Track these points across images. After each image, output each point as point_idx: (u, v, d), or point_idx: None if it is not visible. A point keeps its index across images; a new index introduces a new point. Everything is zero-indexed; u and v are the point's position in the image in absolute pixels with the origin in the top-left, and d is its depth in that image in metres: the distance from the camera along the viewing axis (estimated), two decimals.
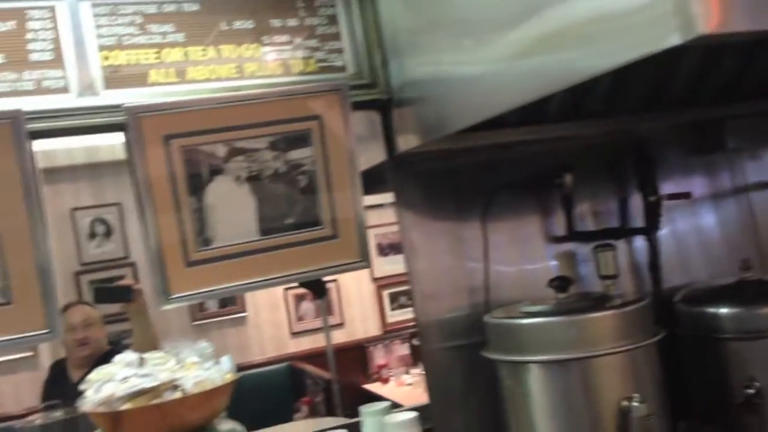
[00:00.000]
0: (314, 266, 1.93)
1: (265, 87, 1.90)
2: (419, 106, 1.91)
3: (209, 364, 1.76)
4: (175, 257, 1.81)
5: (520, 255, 2.15)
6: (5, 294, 1.68)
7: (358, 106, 1.97)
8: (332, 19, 1.99)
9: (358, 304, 5.66)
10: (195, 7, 1.87)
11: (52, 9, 1.76)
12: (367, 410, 1.94)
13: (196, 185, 1.82)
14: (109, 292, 3.49)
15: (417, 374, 5.01)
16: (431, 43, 1.78)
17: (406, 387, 5.17)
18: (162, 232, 1.79)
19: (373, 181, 2.03)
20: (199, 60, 1.87)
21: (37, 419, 2.64)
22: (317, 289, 3.66)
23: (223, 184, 1.84)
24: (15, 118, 1.65)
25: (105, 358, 3.14)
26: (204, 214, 1.83)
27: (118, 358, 1.84)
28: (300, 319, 5.55)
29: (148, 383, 1.62)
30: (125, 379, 1.64)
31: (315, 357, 4.93)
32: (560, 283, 1.90)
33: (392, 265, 5.52)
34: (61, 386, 3.54)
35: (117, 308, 3.45)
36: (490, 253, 2.10)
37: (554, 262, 2.16)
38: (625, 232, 2.18)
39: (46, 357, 4.92)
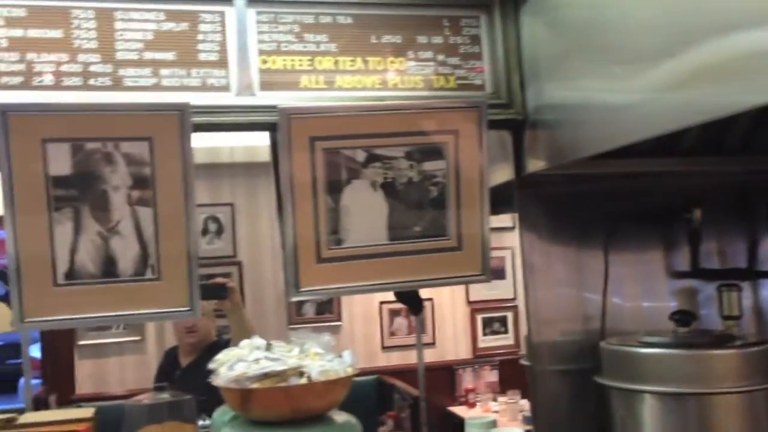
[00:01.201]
0: (436, 275, 1.99)
1: (406, 99, 1.99)
2: (553, 128, 1.95)
3: (331, 356, 1.85)
4: (308, 253, 1.91)
5: (640, 287, 2.15)
6: (155, 271, 1.82)
7: (493, 125, 2.03)
8: (475, 39, 2.06)
9: (451, 326, 5.67)
10: (348, 20, 1.99)
11: (222, 14, 1.91)
12: (472, 422, 1.97)
13: (335, 187, 1.92)
14: (204, 289, 3.55)
15: (505, 402, 4.97)
16: (574, 69, 1.82)
17: (493, 414, 5.12)
18: (299, 228, 1.90)
19: (496, 201, 2.08)
20: (347, 69, 1.98)
21: (145, 399, 2.79)
22: (414, 305, 3.70)
23: (360, 187, 1.93)
24: (183, 110, 1.80)
25: (212, 348, 3.30)
26: (339, 214, 1.92)
27: (244, 342, 1.96)
28: (392, 334, 5.61)
29: (277, 366, 1.72)
30: (257, 360, 1.75)
31: (404, 373, 4.97)
32: (682, 317, 1.89)
33: (489, 291, 5.53)
34: (171, 371, 3.74)
35: (214, 305, 3.56)
36: (609, 283, 2.11)
37: (674, 299, 2.14)
38: (754, 274, 2.14)
39: (152, 342, 5.20)
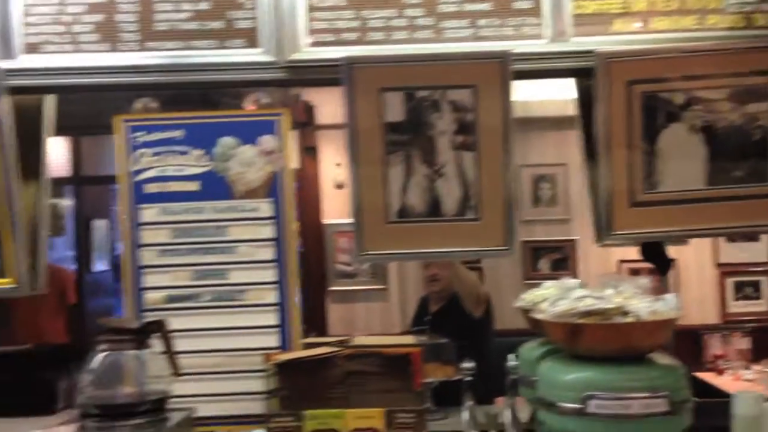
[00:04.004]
0: (755, 222, 1.92)
1: (725, 39, 1.92)
2: None
3: (649, 298, 1.86)
4: (622, 197, 1.92)
5: None
6: (476, 211, 1.94)
7: None
8: None
9: (697, 289, 5.40)
10: None
11: None
12: (743, 395, 1.89)
13: (651, 131, 1.90)
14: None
15: (759, 371, 4.67)
16: None
17: (744, 382, 4.83)
18: (613, 173, 1.91)
19: None
20: (663, 10, 1.94)
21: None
22: (662, 264, 3.55)
23: (677, 131, 1.90)
24: (504, 58, 1.88)
25: (455, 297, 3.44)
26: (654, 158, 1.91)
27: (550, 283, 2.02)
28: None
29: (603, 305, 1.76)
30: (581, 298, 1.80)
31: None
32: None
33: (741, 252, 5.19)
34: (423, 316, 3.95)
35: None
36: None
37: None
38: None
39: (396, 291, 5.51)
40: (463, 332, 3.01)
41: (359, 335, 2.13)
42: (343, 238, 5.36)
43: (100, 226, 6.76)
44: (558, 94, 4.23)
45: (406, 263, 5.36)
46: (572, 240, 5.48)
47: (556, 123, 5.07)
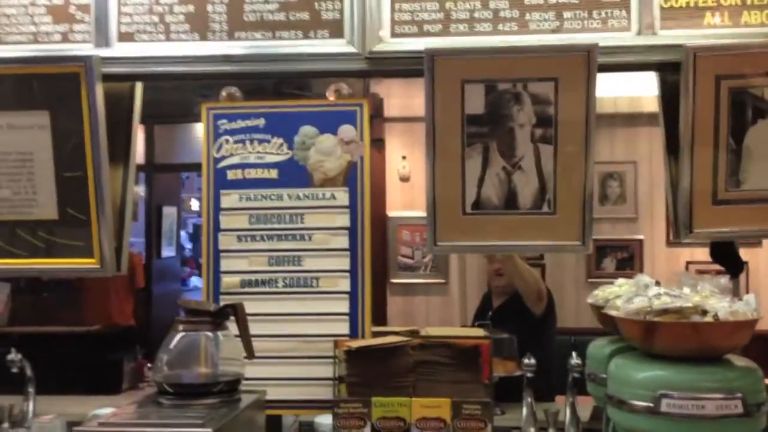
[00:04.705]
0: None
1: None
2: None
3: (727, 298, 1.82)
4: (704, 195, 1.88)
5: None
6: (552, 205, 1.93)
7: None
8: None
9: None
10: None
11: None
12: None
13: (738, 127, 1.86)
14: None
15: None
16: None
17: None
18: (696, 169, 1.88)
19: None
20: (753, 4, 1.89)
21: None
22: (733, 265, 3.44)
23: (765, 128, 1.85)
24: (590, 51, 1.86)
25: (517, 293, 3.39)
26: (739, 155, 1.87)
27: (620, 281, 1.99)
28: None
29: (680, 303, 1.73)
30: (658, 295, 1.78)
31: None
32: None
33: None
34: (485, 311, 3.93)
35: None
36: None
37: None
38: None
39: (456, 286, 5.51)
40: (524, 328, 2.99)
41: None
42: (405, 231, 5.38)
43: (169, 213, 6.94)
44: (630, 91, 4.15)
45: (469, 258, 5.36)
46: (639, 239, 5.38)
47: (627, 119, 4.98)
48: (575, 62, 1.87)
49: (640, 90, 4.03)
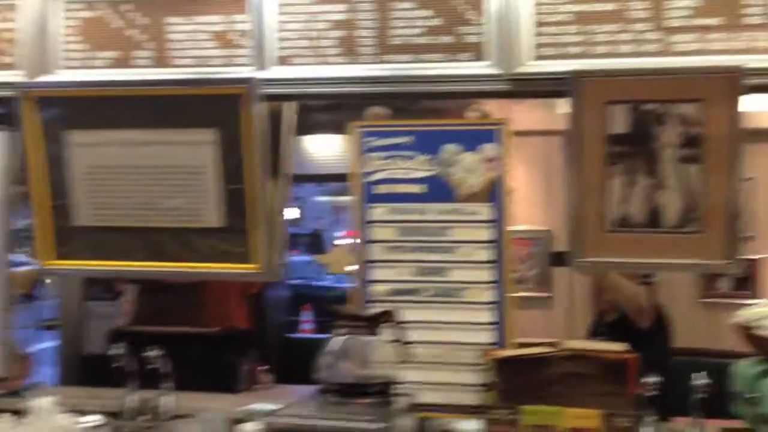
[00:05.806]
0: None
1: None
2: None
3: None
4: None
5: None
6: (699, 224, 1.96)
7: None
8: None
9: None
10: None
11: None
12: None
13: None
14: None
15: None
16: None
17: None
18: None
19: None
20: None
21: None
22: None
23: None
24: (736, 72, 1.89)
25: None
26: None
27: (766, 301, 2.00)
28: None
29: None
30: None
31: None
32: None
33: None
34: (598, 327, 3.92)
35: None
36: None
37: None
38: None
39: (561, 300, 5.47)
40: (635, 345, 3.00)
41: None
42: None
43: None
44: (747, 106, 4.07)
45: (575, 273, 5.30)
46: (756, 259, 5.20)
47: (746, 136, 4.84)
48: (721, 83, 1.91)
49: (756, 105, 3.95)
